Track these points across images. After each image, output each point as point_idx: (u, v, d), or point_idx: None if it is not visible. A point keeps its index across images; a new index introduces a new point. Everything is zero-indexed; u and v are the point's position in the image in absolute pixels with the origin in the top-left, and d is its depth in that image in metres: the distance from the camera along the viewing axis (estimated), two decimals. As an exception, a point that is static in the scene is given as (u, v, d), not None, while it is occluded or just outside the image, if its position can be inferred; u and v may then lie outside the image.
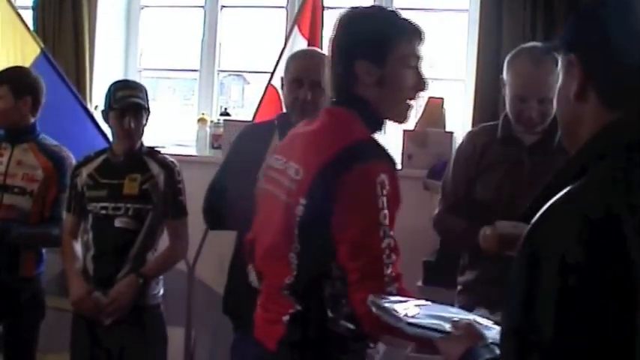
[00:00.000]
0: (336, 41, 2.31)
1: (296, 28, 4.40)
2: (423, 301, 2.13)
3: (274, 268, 2.31)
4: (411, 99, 2.32)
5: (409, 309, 2.05)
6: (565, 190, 1.37)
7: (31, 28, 4.83)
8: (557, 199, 1.37)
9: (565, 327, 1.29)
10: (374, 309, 2.06)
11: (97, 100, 4.95)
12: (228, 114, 5.12)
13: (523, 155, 3.04)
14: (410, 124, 4.56)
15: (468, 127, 4.10)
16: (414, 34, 2.28)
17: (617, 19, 1.45)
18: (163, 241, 3.63)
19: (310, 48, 4.08)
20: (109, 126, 3.59)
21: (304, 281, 2.23)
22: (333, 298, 2.21)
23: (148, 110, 3.51)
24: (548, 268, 1.30)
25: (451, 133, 4.53)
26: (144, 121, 3.51)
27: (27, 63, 4.35)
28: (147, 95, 3.56)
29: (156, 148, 3.67)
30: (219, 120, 5.09)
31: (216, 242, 4.03)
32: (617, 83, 1.45)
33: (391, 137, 4.76)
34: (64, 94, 4.44)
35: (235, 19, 5.37)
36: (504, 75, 3.02)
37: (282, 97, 3.36)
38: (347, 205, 2.12)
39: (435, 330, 1.92)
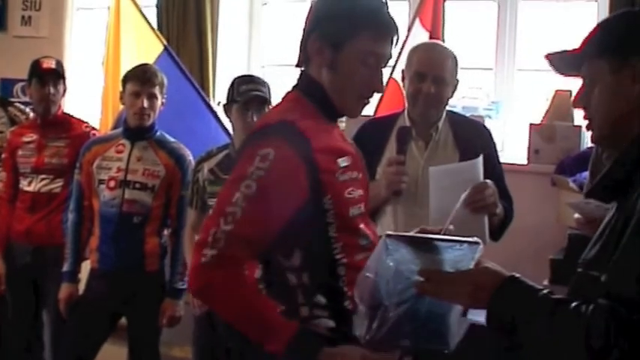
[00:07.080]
0: (310, 9, 2.19)
1: (417, 20, 4.34)
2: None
3: None
4: (363, 96, 2.16)
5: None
6: None
7: (155, 26, 4.93)
8: None
9: None
10: None
11: (220, 96, 4.99)
12: (349, 109, 5.07)
13: None
14: (537, 117, 4.44)
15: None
16: (383, 33, 2.11)
17: None
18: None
19: (433, 41, 3.99)
20: (230, 120, 3.58)
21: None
22: (300, 289, 2.07)
23: (270, 104, 3.48)
24: None
25: (580, 127, 4.35)
26: None
27: (150, 60, 4.42)
28: (270, 90, 3.53)
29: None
30: (341, 115, 5.04)
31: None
32: None
33: (517, 131, 4.65)
34: (186, 90, 4.51)
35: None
36: None
37: (403, 90, 3.28)
38: None
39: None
